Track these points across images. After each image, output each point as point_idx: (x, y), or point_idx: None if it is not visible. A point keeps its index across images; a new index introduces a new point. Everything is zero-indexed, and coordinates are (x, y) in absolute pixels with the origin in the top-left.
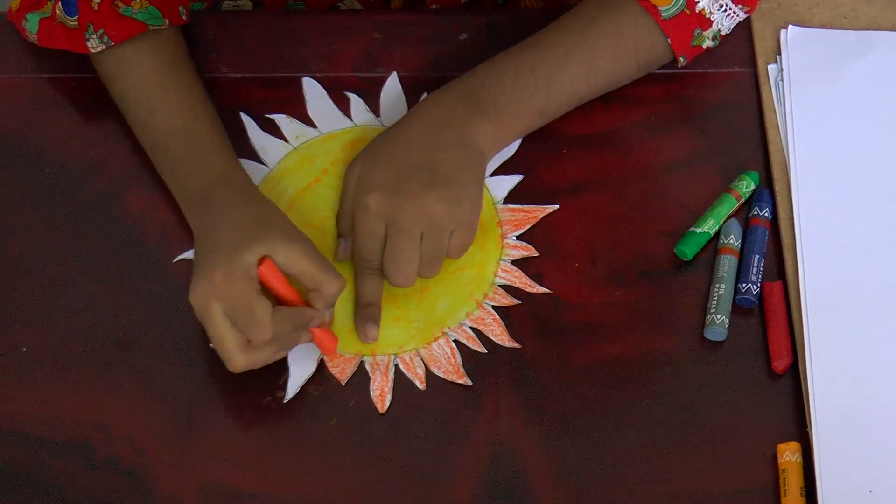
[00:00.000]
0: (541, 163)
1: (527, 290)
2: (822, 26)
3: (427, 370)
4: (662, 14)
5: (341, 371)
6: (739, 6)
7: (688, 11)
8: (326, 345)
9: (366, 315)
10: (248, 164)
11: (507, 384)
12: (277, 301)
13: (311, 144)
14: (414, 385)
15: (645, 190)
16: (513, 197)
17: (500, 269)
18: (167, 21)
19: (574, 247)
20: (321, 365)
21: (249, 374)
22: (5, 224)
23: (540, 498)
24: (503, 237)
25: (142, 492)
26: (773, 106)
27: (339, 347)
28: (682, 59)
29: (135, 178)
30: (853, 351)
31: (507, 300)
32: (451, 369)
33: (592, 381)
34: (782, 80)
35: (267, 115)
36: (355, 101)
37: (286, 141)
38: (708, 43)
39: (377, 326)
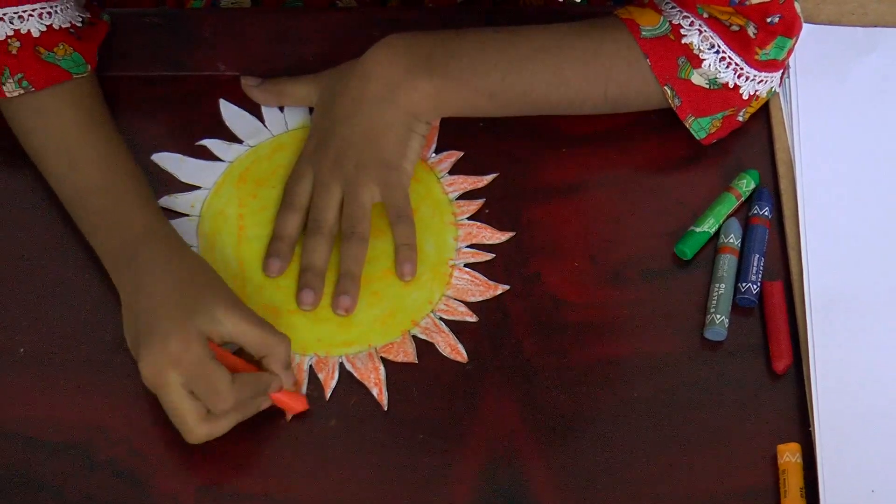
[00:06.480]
0: (541, 161)
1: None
2: (829, 23)
3: (466, 303)
4: (643, 33)
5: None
6: (738, 56)
7: (672, 37)
8: (293, 405)
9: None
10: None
11: (506, 384)
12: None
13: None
14: (415, 384)
15: (645, 189)
16: (509, 192)
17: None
18: (89, 67)
19: (573, 246)
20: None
21: None
22: (3, 223)
23: (539, 499)
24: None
25: (140, 493)
26: (780, 103)
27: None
28: (667, 89)
29: None
30: (856, 351)
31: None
32: (483, 288)
33: (591, 381)
34: (788, 76)
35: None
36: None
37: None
38: (700, 81)
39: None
